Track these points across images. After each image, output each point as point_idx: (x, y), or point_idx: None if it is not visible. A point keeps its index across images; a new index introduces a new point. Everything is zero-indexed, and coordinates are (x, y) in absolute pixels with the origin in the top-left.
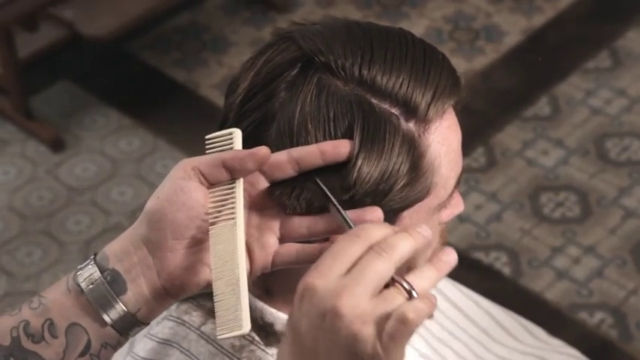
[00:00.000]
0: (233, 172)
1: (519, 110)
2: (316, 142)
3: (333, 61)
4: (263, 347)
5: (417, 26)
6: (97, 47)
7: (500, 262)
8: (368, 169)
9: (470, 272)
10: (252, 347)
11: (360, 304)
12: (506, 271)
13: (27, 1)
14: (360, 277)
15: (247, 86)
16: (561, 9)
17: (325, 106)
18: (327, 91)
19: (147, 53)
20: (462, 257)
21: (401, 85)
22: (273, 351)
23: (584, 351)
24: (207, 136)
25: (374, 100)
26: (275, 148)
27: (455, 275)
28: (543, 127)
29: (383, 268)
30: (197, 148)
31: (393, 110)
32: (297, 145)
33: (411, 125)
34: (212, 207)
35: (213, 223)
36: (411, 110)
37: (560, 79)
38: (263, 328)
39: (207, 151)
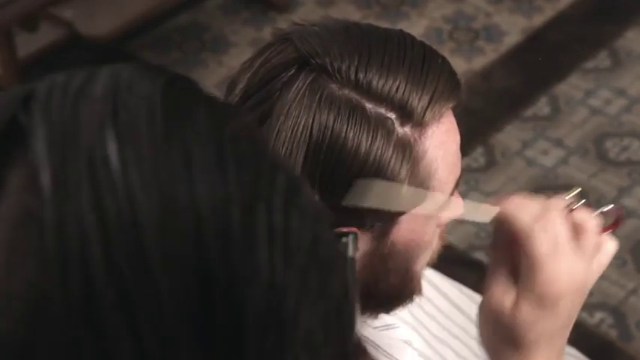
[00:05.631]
0: None
1: (519, 110)
2: (300, 147)
3: (329, 64)
4: None
5: (417, 26)
6: (97, 47)
7: None
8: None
9: (470, 272)
10: None
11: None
12: None
13: (27, 1)
14: None
15: (244, 87)
16: (561, 9)
17: (318, 110)
18: (319, 94)
19: (147, 53)
20: (462, 257)
21: (397, 88)
22: None
23: (583, 351)
24: None
25: (369, 105)
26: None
27: (455, 275)
28: (543, 127)
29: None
30: None
31: (389, 115)
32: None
33: (407, 129)
34: None
35: None
36: (406, 114)
37: (559, 79)
38: None
39: None
